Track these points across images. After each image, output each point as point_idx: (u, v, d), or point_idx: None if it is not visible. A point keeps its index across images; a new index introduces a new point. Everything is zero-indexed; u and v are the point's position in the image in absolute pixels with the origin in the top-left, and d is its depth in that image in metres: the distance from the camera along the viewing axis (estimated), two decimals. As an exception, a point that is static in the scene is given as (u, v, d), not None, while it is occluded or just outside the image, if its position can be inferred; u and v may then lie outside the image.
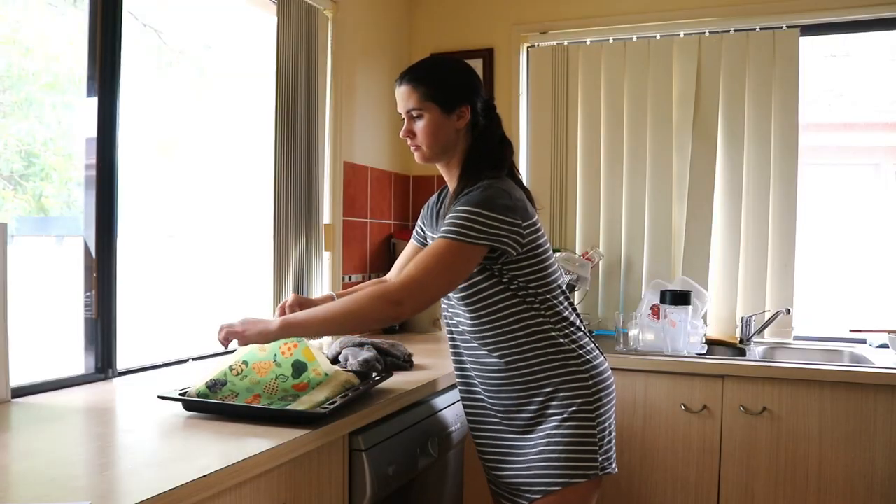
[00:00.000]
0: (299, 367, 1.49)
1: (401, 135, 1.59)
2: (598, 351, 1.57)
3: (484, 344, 1.54)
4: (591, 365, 1.51)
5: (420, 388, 1.75)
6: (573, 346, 1.50)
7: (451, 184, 1.62)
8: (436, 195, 1.77)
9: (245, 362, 1.47)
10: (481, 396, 1.61)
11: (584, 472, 1.45)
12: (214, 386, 1.44)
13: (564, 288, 1.58)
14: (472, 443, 1.70)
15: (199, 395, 1.42)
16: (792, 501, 2.15)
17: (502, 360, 1.52)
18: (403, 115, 1.57)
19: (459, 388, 1.67)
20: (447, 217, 1.46)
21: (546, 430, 1.48)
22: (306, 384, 1.48)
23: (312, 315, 1.43)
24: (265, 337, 1.40)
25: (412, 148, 1.59)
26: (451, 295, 1.58)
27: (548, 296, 1.51)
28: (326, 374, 1.51)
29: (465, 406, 1.67)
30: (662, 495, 2.28)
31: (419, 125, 1.55)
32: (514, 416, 1.54)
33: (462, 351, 1.62)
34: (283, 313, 1.54)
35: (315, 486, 1.35)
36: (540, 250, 1.50)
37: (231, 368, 1.47)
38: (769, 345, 2.63)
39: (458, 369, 1.65)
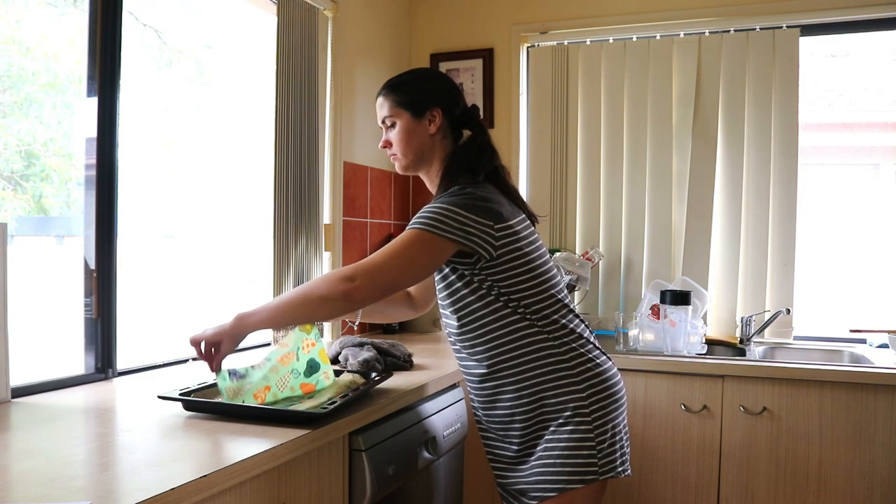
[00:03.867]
0: (313, 367, 1.49)
1: (380, 146, 1.62)
2: (598, 351, 1.53)
3: (472, 353, 1.52)
4: (584, 367, 1.47)
5: (420, 388, 1.75)
6: (565, 348, 1.46)
7: (433, 191, 1.61)
8: None
9: (268, 359, 1.46)
10: (478, 415, 1.60)
11: (580, 476, 1.43)
12: (234, 374, 1.43)
13: (563, 296, 1.52)
14: (471, 443, 1.69)
15: (218, 379, 1.42)
16: (792, 501, 2.15)
17: (487, 368, 1.50)
18: (381, 127, 1.61)
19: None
20: (417, 214, 1.45)
21: (545, 438, 1.47)
22: (313, 387, 1.49)
23: (266, 304, 1.42)
24: (222, 333, 1.40)
25: (391, 158, 1.61)
26: (440, 302, 1.57)
27: (538, 304, 1.47)
28: (334, 380, 1.53)
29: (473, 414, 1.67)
30: (662, 495, 2.29)
31: (393, 133, 1.57)
32: (509, 431, 1.51)
33: (457, 360, 1.61)
34: None
35: (315, 486, 1.35)
36: (520, 254, 1.46)
37: (253, 366, 1.47)
38: (769, 345, 2.63)
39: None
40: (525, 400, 1.47)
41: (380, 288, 1.39)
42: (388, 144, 1.60)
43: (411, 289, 1.82)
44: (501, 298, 1.46)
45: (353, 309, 1.40)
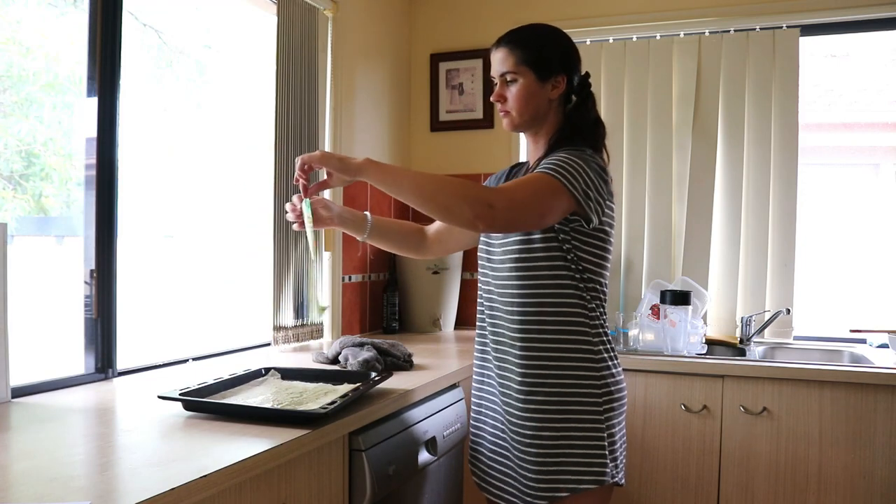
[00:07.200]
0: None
1: (492, 98, 1.55)
2: (617, 359, 1.51)
3: (507, 309, 1.48)
4: (604, 364, 1.46)
5: (420, 388, 1.75)
6: (597, 339, 1.46)
7: (536, 156, 1.56)
8: (506, 169, 1.70)
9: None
10: (492, 382, 1.55)
11: (594, 477, 1.41)
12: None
13: (606, 294, 1.52)
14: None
15: (304, 204, 1.46)
16: (792, 501, 2.15)
17: (521, 326, 1.46)
18: (496, 79, 1.54)
19: (474, 380, 1.63)
20: (547, 159, 1.41)
21: (548, 431, 1.44)
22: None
23: (399, 168, 1.39)
24: (345, 164, 1.37)
25: (501, 113, 1.55)
26: (498, 247, 1.52)
27: (596, 287, 1.46)
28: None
29: (473, 403, 1.64)
30: (662, 495, 2.29)
31: (512, 90, 1.51)
32: (514, 396, 1.47)
33: (488, 318, 1.56)
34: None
35: (315, 486, 1.35)
36: (607, 238, 1.48)
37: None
38: (769, 345, 2.63)
39: (478, 352, 1.61)
40: (541, 369, 1.44)
41: (513, 222, 1.36)
42: (501, 99, 1.52)
43: (431, 229, 1.76)
44: (572, 266, 1.44)
45: (471, 229, 1.36)
